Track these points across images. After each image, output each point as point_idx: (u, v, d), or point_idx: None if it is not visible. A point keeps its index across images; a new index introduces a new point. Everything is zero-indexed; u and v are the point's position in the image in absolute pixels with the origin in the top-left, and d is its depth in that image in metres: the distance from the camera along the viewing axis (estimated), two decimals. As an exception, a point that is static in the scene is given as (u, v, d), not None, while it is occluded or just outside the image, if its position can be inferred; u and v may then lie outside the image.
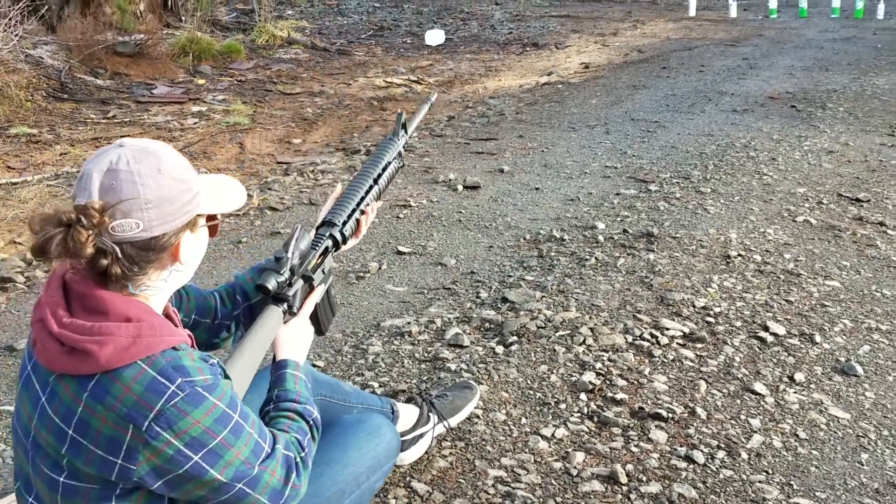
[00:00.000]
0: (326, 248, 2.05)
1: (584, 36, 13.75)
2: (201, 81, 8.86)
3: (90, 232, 1.42)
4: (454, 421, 2.65)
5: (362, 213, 2.16)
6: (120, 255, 1.46)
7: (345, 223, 2.09)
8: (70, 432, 1.45)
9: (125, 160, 1.47)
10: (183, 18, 11.50)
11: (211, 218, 1.64)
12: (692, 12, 16.85)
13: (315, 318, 2.04)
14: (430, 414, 2.57)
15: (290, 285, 1.90)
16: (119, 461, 1.44)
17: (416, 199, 5.13)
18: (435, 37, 12.61)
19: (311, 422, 1.74)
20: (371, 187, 2.21)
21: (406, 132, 2.38)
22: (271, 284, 1.82)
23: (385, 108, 8.21)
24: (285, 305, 1.88)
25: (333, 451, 1.94)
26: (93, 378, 1.44)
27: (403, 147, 2.35)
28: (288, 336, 1.88)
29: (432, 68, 10.62)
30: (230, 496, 1.53)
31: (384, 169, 2.26)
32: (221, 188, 1.67)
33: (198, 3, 11.83)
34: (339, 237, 2.07)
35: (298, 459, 1.63)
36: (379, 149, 2.31)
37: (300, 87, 9.11)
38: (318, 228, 2.08)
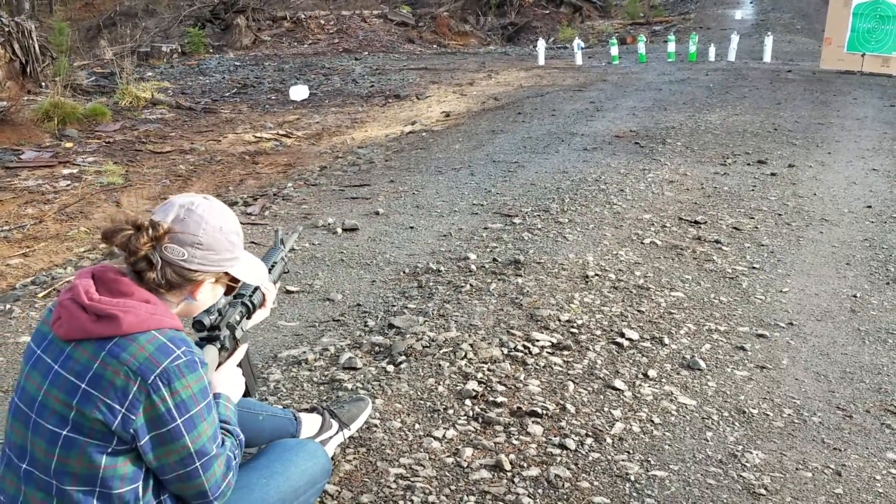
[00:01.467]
0: (243, 302, 2.41)
1: (442, 86, 14.27)
2: (69, 145, 8.83)
3: (150, 241, 1.84)
4: (354, 426, 2.95)
5: (265, 288, 2.55)
6: (159, 268, 1.85)
7: (252, 294, 2.47)
8: (83, 385, 1.76)
9: (203, 208, 1.92)
10: (43, 84, 11.38)
11: (233, 281, 2.07)
12: (541, 61, 17.68)
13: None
14: (332, 420, 2.87)
15: (220, 328, 2.26)
16: (123, 410, 1.75)
17: (298, 242, 5.38)
18: (299, 92, 12.87)
19: (239, 441, 2.06)
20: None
21: (284, 246, 2.84)
22: (206, 321, 2.21)
23: (257, 162, 8.42)
24: (218, 344, 2.23)
25: (278, 465, 2.23)
26: (111, 340, 1.77)
27: (283, 259, 2.80)
28: (222, 379, 2.21)
29: (299, 122, 10.88)
30: (187, 472, 1.84)
31: (273, 265, 2.70)
32: (252, 264, 2.10)
33: (57, 69, 11.73)
34: (248, 304, 2.44)
35: (234, 462, 1.96)
36: (266, 254, 2.77)
37: (170, 145, 9.20)
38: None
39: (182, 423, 1.79)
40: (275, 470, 2.20)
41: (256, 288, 2.50)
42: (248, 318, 2.45)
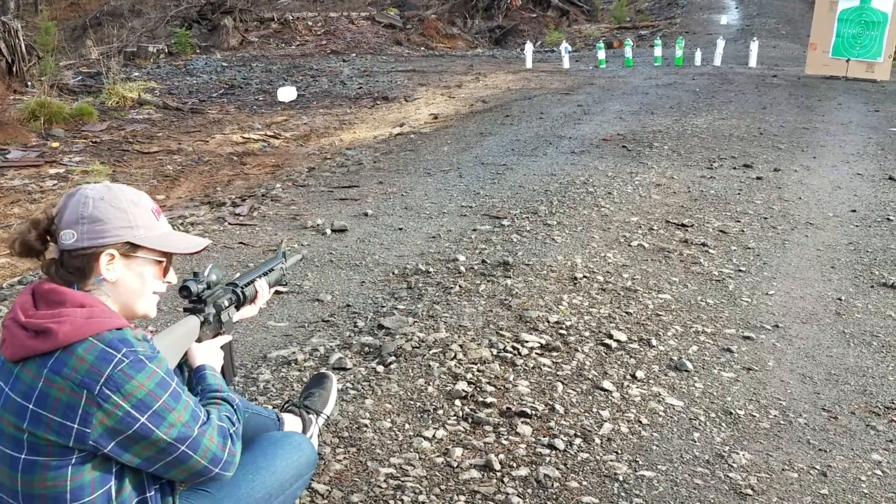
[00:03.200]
0: (234, 290, 2.42)
1: (430, 88, 14.30)
2: (55, 144, 8.79)
3: (41, 235, 1.81)
4: (328, 409, 2.89)
5: (259, 286, 2.56)
6: (61, 260, 1.81)
7: (246, 286, 2.48)
8: (31, 406, 1.70)
9: (87, 189, 1.85)
10: (29, 84, 11.33)
11: (160, 259, 1.93)
12: (529, 65, 17.75)
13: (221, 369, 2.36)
14: (309, 415, 2.86)
15: (206, 304, 2.25)
16: (76, 425, 1.69)
17: (287, 243, 5.38)
18: (287, 93, 12.86)
19: (235, 406, 2.03)
20: (263, 275, 2.63)
21: (286, 261, 2.83)
22: (193, 287, 2.20)
23: (245, 163, 8.41)
24: (202, 317, 2.21)
25: (262, 460, 2.21)
26: (52, 355, 1.71)
27: (282, 270, 2.79)
28: (203, 349, 2.19)
29: (287, 123, 10.87)
30: (175, 457, 1.79)
31: (272, 270, 2.70)
32: (174, 235, 1.98)
33: (43, 68, 11.68)
34: (240, 293, 2.44)
35: (232, 431, 1.91)
36: (266, 260, 2.78)
37: (157, 145, 9.18)
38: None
39: (147, 420, 1.73)
40: (260, 465, 2.19)
41: (251, 282, 2.51)
42: (238, 307, 2.45)
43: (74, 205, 1.82)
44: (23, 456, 1.73)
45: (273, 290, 2.70)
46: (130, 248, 1.88)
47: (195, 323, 2.19)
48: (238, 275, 2.64)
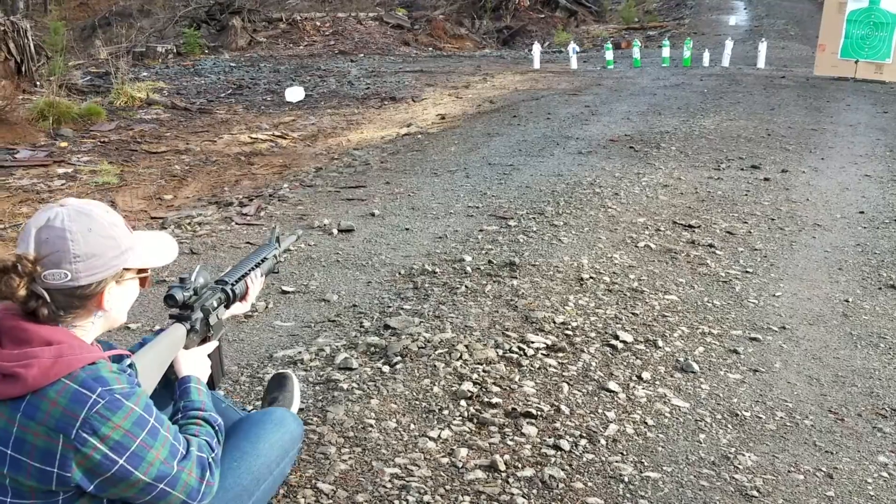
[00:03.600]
0: (223, 289, 2.38)
1: (438, 89, 14.30)
2: (64, 144, 8.82)
3: (23, 279, 1.67)
4: (295, 405, 2.81)
5: (251, 280, 2.53)
6: (49, 300, 1.70)
7: (235, 283, 2.44)
8: (9, 452, 1.66)
9: (61, 218, 1.72)
10: (38, 84, 11.37)
11: (141, 270, 1.91)
12: (537, 65, 17.73)
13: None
14: None
15: (193, 309, 2.21)
16: (55, 470, 1.65)
17: (294, 243, 5.38)
18: (295, 93, 12.86)
19: (217, 427, 1.99)
20: (255, 267, 2.60)
21: (279, 245, 2.81)
22: (178, 296, 2.15)
23: (252, 163, 8.42)
24: (188, 325, 2.18)
25: (245, 444, 2.16)
26: (24, 399, 1.65)
27: (276, 257, 2.77)
28: (190, 358, 2.16)
29: (295, 123, 10.88)
30: (153, 496, 1.75)
31: (264, 259, 2.67)
32: (154, 244, 1.95)
33: (52, 68, 11.72)
34: (230, 291, 2.40)
35: (210, 460, 1.87)
36: (258, 248, 2.76)
37: (165, 145, 9.20)
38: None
39: (125, 462, 1.68)
40: (244, 450, 2.14)
41: (241, 278, 2.47)
42: (227, 306, 2.41)
43: (57, 241, 1.71)
44: (8, 500, 1.70)
45: (263, 279, 2.64)
46: (124, 272, 1.85)
47: (181, 332, 2.15)
48: (228, 268, 2.59)
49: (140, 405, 1.72)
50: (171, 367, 2.13)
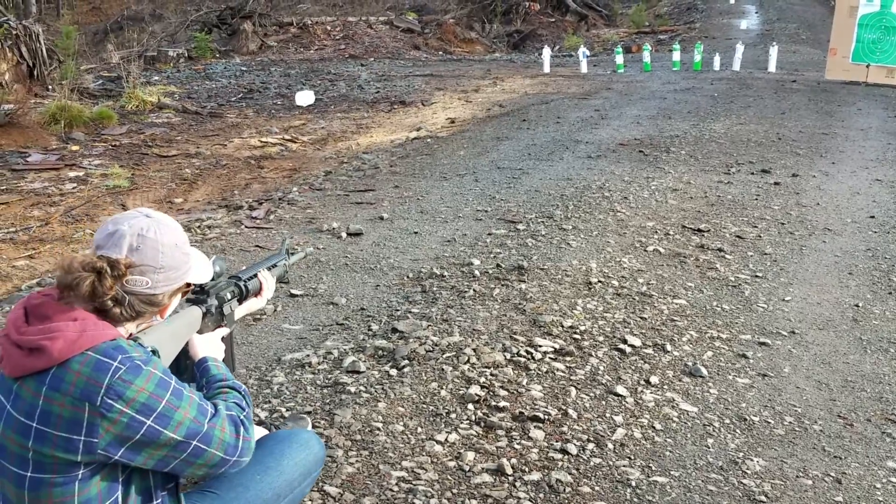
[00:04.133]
0: (237, 284, 2.44)
1: (447, 93, 14.31)
2: (75, 148, 8.88)
3: (117, 282, 1.77)
4: None
5: (263, 278, 2.59)
6: (126, 304, 1.80)
7: (249, 279, 2.51)
8: (34, 425, 1.70)
9: (153, 230, 1.84)
10: (50, 87, 11.44)
11: (188, 284, 2.01)
12: (546, 69, 17.73)
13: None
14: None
15: (208, 294, 2.27)
16: (82, 437, 1.69)
17: (302, 247, 5.40)
18: (305, 97, 12.90)
19: (243, 391, 2.04)
20: (268, 269, 2.66)
21: (289, 258, 2.86)
22: None
23: (262, 167, 8.46)
24: (204, 308, 2.23)
25: (270, 460, 2.21)
26: (49, 372, 1.71)
27: (286, 266, 2.82)
28: (205, 341, 2.20)
29: (305, 127, 10.92)
30: (188, 454, 1.79)
31: (275, 265, 2.73)
32: (200, 260, 2.05)
33: (64, 72, 11.79)
34: (243, 286, 2.46)
35: (243, 417, 1.92)
36: (269, 255, 2.83)
37: (176, 149, 9.24)
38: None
39: (153, 422, 1.73)
40: (268, 465, 2.18)
41: (254, 275, 2.53)
42: (240, 301, 2.46)
43: (150, 252, 1.82)
44: (28, 473, 1.73)
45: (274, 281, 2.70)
46: (183, 286, 1.97)
47: (197, 314, 2.20)
48: (243, 268, 2.64)
49: (159, 369, 1.78)
50: (187, 352, 2.17)
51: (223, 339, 2.31)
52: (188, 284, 2.00)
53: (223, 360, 2.27)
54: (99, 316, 1.78)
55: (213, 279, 2.27)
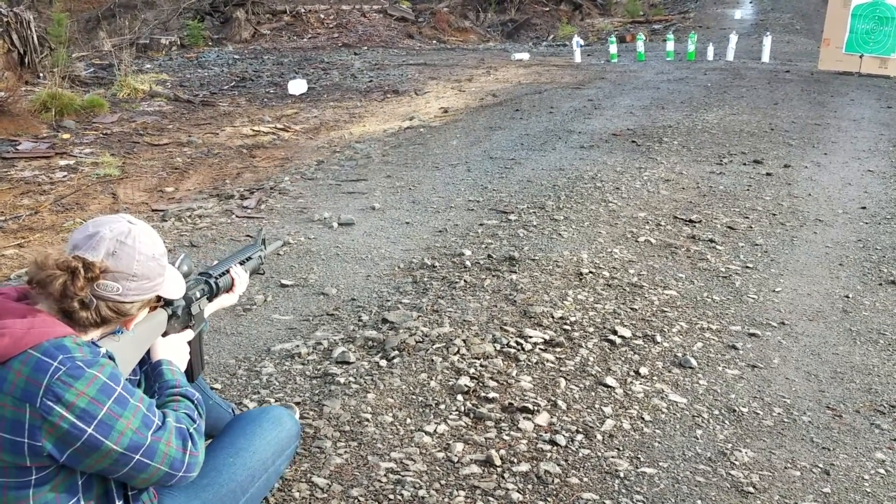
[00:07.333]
0: (207, 281, 2.40)
1: (441, 82, 14.27)
2: (66, 136, 8.82)
3: (88, 284, 1.73)
4: None
5: (235, 274, 2.56)
6: (93, 308, 1.76)
7: (220, 276, 2.47)
8: None
9: (133, 237, 1.82)
10: (41, 75, 11.37)
11: (158, 299, 1.99)
12: (522, 57, 17.68)
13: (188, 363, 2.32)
14: None
15: None
16: (26, 440, 1.64)
17: (293, 236, 5.39)
18: (298, 86, 12.85)
19: (195, 401, 1.97)
20: (241, 263, 2.64)
21: (265, 248, 2.85)
22: None
23: (254, 156, 8.41)
24: (170, 311, 2.17)
25: (242, 440, 2.18)
26: None
27: (261, 258, 2.80)
28: (165, 344, 2.13)
29: (297, 116, 10.87)
30: (131, 467, 1.72)
31: (249, 258, 2.71)
32: (173, 276, 2.01)
33: (55, 60, 11.72)
34: (213, 284, 2.42)
35: (192, 430, 1.85)
36: (244, 247, 2.79)
37: (167, 137, 9.19)
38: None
39: (94, 430, 1.66)
40: (240, 446, 2.15)
41: (226, 272, 2.49)
42: (210, 298, 2.42)
43: (126, 258, 1.79)
44: None
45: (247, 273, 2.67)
46: (153, 299, 1.93)
47: (162, 317, 2.12)
48: (215, 262, 2.61)
49: (104, 374, 1.69)
50: (148, 353, 2.11)
51: (190, 341, 2.25)
52: (158, 299, 1.97)
53: (190, 362, 2.25)
54: (63, 318, 1.74)
55: (184, 274, 2.21)
